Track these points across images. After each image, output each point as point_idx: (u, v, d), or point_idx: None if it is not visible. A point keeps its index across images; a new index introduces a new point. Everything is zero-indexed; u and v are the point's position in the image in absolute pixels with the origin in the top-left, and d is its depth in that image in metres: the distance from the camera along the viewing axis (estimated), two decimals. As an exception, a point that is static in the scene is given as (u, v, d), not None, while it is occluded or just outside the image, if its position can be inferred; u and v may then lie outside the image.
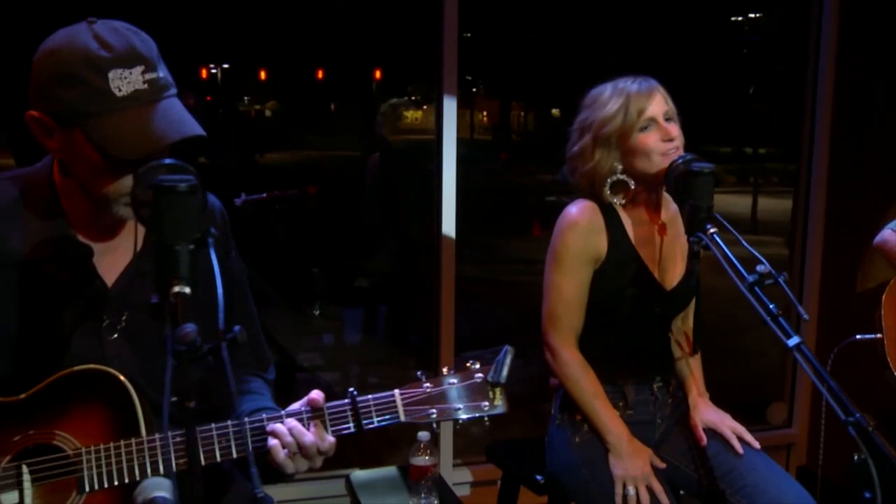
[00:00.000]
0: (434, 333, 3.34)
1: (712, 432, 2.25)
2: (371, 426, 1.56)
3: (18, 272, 1.51)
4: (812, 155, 3.65)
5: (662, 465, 2.19)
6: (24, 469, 1.51)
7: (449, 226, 3.26)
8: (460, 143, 3.18)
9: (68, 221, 1.55)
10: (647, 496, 2.10)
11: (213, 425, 1.53)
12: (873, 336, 2.56)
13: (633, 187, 2.17)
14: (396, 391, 1.58)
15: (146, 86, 1.41)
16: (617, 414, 2.19)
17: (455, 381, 1.61)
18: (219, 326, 1.20)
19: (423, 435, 2.34)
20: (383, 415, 1.56)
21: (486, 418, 1.62)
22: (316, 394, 1.54)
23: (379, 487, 2.55)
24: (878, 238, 2.65)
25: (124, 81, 1.39)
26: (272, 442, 1.50)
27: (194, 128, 1.43)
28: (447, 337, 3.31)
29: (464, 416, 1.60)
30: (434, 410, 1.59)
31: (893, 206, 3.25)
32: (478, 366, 1.64)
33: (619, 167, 2.16)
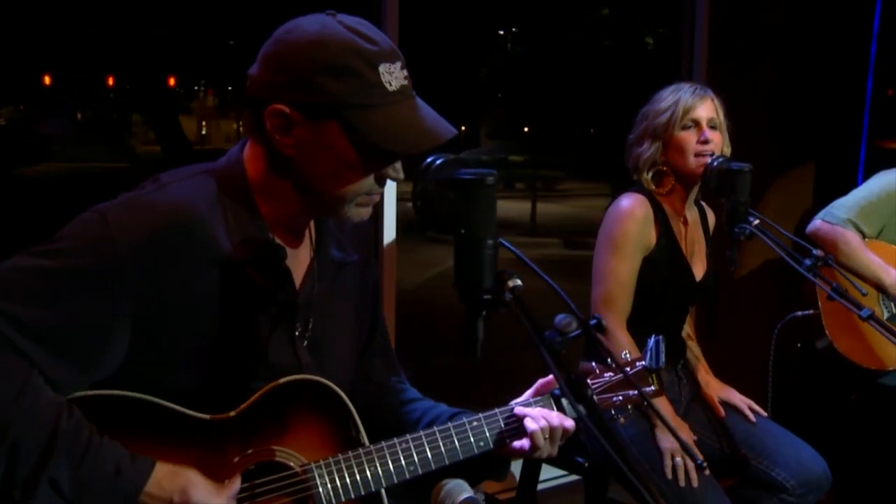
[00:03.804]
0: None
1: (726, 404, 2.51)
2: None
3: (220, 272, 1.39)
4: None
5: (695, 437, 2.41)
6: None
7: (390, 235, 3.26)
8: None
9: (265, 222, 1.45)
10: (692, 465, 2.30)
11: (464, 418, 1.53)
12: (810, 312, 2.96)
13: (671, 180, 2.39)
14: (587, 381, 1.66)
15: (406, 82, 1.37)
16: None
17: (627, 369, 1.72)
18: (577, 315, 1.22)
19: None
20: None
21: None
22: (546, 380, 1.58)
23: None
24: (809, 227, 3.02)
25: (392, 76, 1.34)
26: (532, 426, 1.51)
27: (452, 127, 1.40)
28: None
29: (636, 400, 1.71)
30: (619, 397, 1.69)
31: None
32: (631, 356, 1.77)
33: (660, 158, 2.37)
